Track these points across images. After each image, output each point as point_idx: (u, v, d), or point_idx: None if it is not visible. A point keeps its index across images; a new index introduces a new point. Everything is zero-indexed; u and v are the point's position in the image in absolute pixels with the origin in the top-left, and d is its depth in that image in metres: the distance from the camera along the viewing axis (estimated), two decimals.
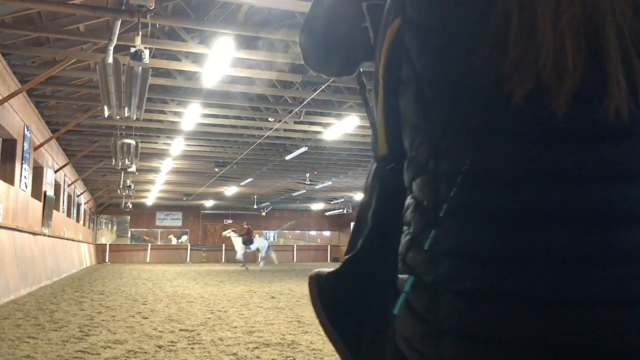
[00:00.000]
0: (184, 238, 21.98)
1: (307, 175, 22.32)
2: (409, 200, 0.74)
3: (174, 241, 21.57)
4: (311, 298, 0.95)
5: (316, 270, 0.98)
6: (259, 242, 21.49)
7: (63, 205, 19.31)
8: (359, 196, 31.75)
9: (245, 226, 23.43)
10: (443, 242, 0.66)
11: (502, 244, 0.62)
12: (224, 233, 22.63)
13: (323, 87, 11.06)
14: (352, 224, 1.02)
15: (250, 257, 22.79)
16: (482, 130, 0.64)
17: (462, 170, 0.64)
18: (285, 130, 15.37)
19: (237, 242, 21.68)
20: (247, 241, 21.53)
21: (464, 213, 0.65)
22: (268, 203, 35.07)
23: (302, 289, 13.10)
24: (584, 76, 0.58)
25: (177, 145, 16.42)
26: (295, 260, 39.16)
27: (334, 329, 0.91)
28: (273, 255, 21.31)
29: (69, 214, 21.26)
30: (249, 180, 24.15)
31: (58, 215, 17.77)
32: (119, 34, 7.92)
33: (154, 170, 21.93)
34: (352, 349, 0.88)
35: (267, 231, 42.25)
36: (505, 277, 0.61)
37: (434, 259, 0.67)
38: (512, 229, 0.62)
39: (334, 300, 0.91)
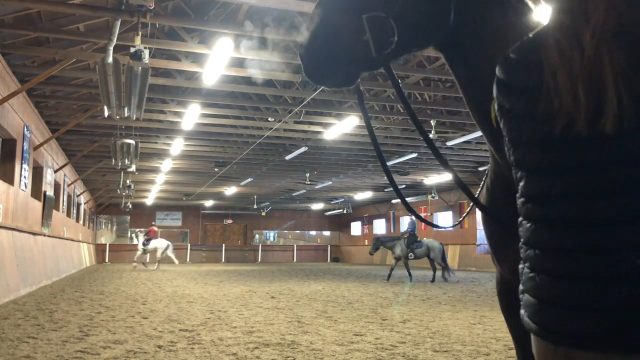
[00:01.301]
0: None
1: (307, 175, 22.32)
2: None
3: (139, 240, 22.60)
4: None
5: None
6: (157, 243, 22.64)
7: (63, 205, 19.30)
8: (358, 196, 31.75)
9: (151, 226, 24.27)
10: (521, 235, 1.09)
11: (539, 237, 1.04)
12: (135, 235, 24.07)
13: (323, 87, 11.05)
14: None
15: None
16: (532, 164, 1.05)
17: (523, 192, 1.08)
18: (285, 130, 15.37)
19: (140, 240, 22.95)
20: (146, 241, 22.63)
21: (527, 218, 1.07)
22: (268, 203, 35.07)
23: (302, 289, 13.10)
24: (594, 106, 0.95)
25: (177, 145, 16.42)
26: (295, 260, 39.18)
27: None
28: (172, 255, 22.58)
29: (68, 214, 21.25)
30: (249, 180, 24.15)
31: (58, 215, 17.77)
32: (118, 34, 7.91)
33: (154, 170, 21.93)
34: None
35: (267, 231, 42.30)
36: (540, 259, 1.03)
37: (522, 245, 1.10)
38: (549, 229, 1.02)
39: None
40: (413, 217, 17.50)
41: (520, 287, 1.08)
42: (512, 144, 1.09)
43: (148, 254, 22.98)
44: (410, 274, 16.52)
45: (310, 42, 1.49)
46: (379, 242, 17.33)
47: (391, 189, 27.24)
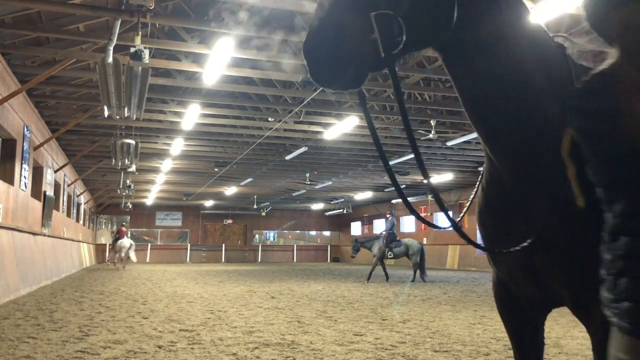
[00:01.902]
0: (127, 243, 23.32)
1: (307, 175, 22.32)
2: None
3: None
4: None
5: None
6: (122, 242, 23.46)
7: (63, 205, 19.31)
8: (359, 196, 31.74)
9: (121, 226, 24.97)
10: (614, 250, 1.20)
11: (629, 248, 1.16)
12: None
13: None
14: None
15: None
16: (628, 182, 1.15)
17: (620, 211, 1.18)
18: (285, 130, 15.37)
19: (111, 240, 24.62)
20: (114, 241, 23.88)
21: (625, 234, 1.17)
22: (268, 203, 35.06)
23: (302, 289, 13.10)
24: None
25: (177, 145, 16.42)
26: (295, 260, 39.16)
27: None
28: (131, 254, 23.38)
29: (68, 214, 21.26)
30: (249, 180, 24.15)
31: (58, 215, 17.77)
32: (118, 34, 7.91)
33: (154, 170, 21.93)
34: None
35: (267, 231, 42.29)
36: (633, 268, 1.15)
37: (618, 259, 1.20)
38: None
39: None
40: (393, 217, 17.47)
41: (610, 296, 1.19)
42: (601, 166, 1.20)
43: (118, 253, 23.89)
44: (370, 275, 16.20)
45: (316, 42, 1.39)
46: (358, 244, 17.18)
47: (391, 188, 27.34)
